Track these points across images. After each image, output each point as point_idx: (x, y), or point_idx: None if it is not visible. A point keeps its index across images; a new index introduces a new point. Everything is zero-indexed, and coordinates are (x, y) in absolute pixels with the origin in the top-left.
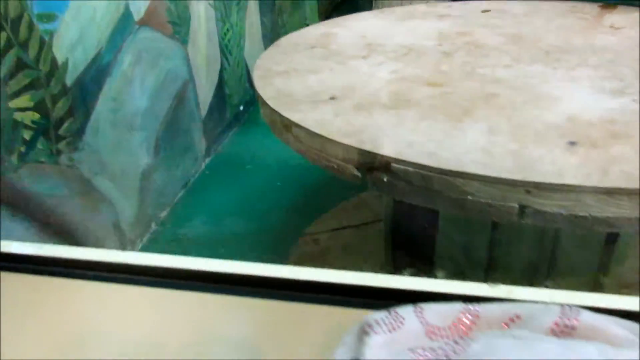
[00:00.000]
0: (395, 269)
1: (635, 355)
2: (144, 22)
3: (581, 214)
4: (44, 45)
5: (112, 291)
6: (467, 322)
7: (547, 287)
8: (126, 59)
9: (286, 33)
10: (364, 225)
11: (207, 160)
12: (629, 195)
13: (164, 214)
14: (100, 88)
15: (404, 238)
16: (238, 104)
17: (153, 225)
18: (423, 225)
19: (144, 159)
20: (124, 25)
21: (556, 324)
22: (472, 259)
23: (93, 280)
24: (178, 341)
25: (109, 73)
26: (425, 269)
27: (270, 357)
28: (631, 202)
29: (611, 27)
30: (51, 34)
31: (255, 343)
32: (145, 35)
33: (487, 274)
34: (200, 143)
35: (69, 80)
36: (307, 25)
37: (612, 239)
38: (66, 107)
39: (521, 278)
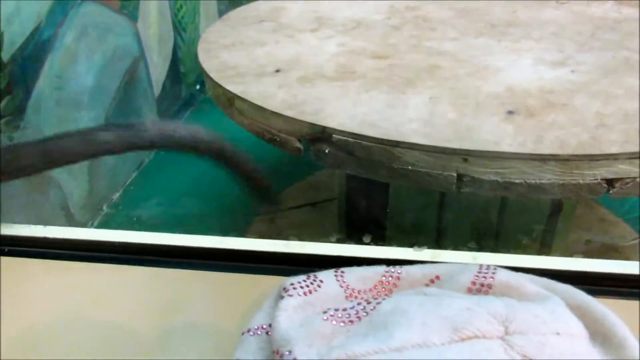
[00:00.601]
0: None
1: (541, 309)
2: None
3: (517, 180)
4: None
5: (67, 269)
6: (389, 284)
7: (471, 249)
8: (69, 34)
9: None
10: (320, 203)
11: None
12: (562, 162)
13: (116, 195)
14: (41, 64)
15: (358, 213)
16: (194, 83)
17: (105, 208)
18: (375, 200)
19: None
20: None
21: (473, 282)
22: (423, 228)
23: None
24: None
25: (51, 48)
26: (380, 242)
27: (226, 328)
28: (564, 169)
29: (557, 1)
30: None
31: (212, 316)
32: (90, 9)
33: (438, 243)
34: None
35: (6, 55)
36: None
37: (555, 210)
38: (3, 83)
39: (468, 248)
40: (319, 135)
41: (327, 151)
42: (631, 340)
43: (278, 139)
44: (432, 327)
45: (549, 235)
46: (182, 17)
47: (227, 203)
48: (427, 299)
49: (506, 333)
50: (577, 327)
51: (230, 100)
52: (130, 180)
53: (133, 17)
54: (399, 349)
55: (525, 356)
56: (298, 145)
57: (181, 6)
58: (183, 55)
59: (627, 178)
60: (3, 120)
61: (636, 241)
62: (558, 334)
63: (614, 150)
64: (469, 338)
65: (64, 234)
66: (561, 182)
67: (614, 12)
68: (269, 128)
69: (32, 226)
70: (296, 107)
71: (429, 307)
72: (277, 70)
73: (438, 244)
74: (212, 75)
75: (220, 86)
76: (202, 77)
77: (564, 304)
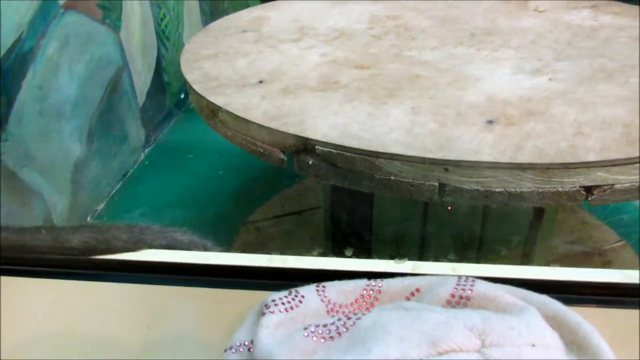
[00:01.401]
0: (335, 254)
1: (517, 321)
2: (70, 6)
3: (497, 189)
4: None
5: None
6: (370, 297)
7: (451, 260)
8: (51, 45)
9: None
10: (306, 211)
11: (147, 149)
12: (540, 170)
13: (100, 206)
14: (23, 75)
15: (343, 223)
16: (178, 92)
17: (89, 219)
18: (360, 209)
19: (76, 150)
20: (47, 8)
21: (452, 294)
22: (406, 239)
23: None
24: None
25: (33, 59)
26: (364, 252)
27: (210, 344)
28: (543, 177)
29: (535, 10)
30: None
31: (196, 331)
32: (72, 19)
33: (422, 253)
34: (139, 132)
35: None
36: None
37: (537, 216)
38: None
39: (454, 255)
40: (302, 146)
41: (310, 162)
42: (605, 349)
43: (262, 151)
44: (411, 342)
45: (531, 241)
46: (166, 26)
47: (213, 212)
48: (406, 313)
49: (483, 346)
50: (552, 338)
51: (213, 112)
52: (114, 190)
53: (115, 26)
54: None
55: None
56: (282, 156)
57: (164, 15)
58: (167, 65)
59: (605, 185)
60: None
61: (619, 244)
62: (533, 345)
63: (591, 158)
64: (447, 352)
65: None
66: (540, 190)
67: (591, 19)
68: (252, 140)
69: None
70: (279, 118)
71: (407, 322)
72: (260, 81)
73: (422, 255)
74: (195, 86)
75: (203, 98)
76: (186, 86)
77: (540, 315)
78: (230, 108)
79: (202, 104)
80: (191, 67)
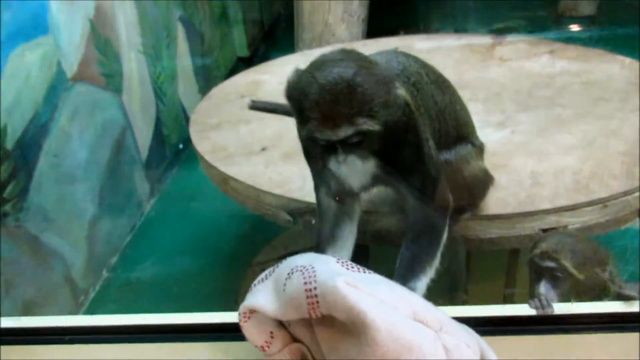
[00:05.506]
0: None
1: (464, 330)
2: (78, 78)
3: (471, 237)
4: None
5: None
6: None
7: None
8: (63, 116)
9: (218, 69)
10: (310, 249)
11: (152, 201)
12: (505, 219)
13: (114, 259)
14: (40, 147)
15: None
16: (177, 142)
17: (104, 272)
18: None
19: (90, 209)
20: (58, 82)
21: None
22: None
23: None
24: None
25: (48, 131)
26: None
27: None
28: (508, 224)
29: (500, 59)
30: None
31: None
32: (80, 89)
33: None
34: (143, 185)
35: (9, 144)
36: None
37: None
38: (9, 170)
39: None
40: (305, 208)
41: (313, 222)
42: None
43: (270, 213)
44: (402, 301)
45: (511, 277)
46: (162, 83)
47: (220, 256)
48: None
49: (440, 330)
50: (476, 352)
51: (224, 179)
52: (125, 243)
53: (117, 90)
54: (382, 300)
55: (445, 347)
56: (288, 217)
57: (160, 73)
58: (165, 119)
59: (559, 227)
60: (9, 204)
61: None
62: (468, 346)
63: (545, 206)
64: (419, 322)
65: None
66: (506, 235)
67: (549, 66)
68: (262, 204)
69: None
70: (283, 184)
71: (404, 292)
72: (263, 149)
73: None
74: (206, 157)
75: (214, 167)
76: (184, 136)
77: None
78: (239, 177)
79: (213, 173)
80: (200, 137)
